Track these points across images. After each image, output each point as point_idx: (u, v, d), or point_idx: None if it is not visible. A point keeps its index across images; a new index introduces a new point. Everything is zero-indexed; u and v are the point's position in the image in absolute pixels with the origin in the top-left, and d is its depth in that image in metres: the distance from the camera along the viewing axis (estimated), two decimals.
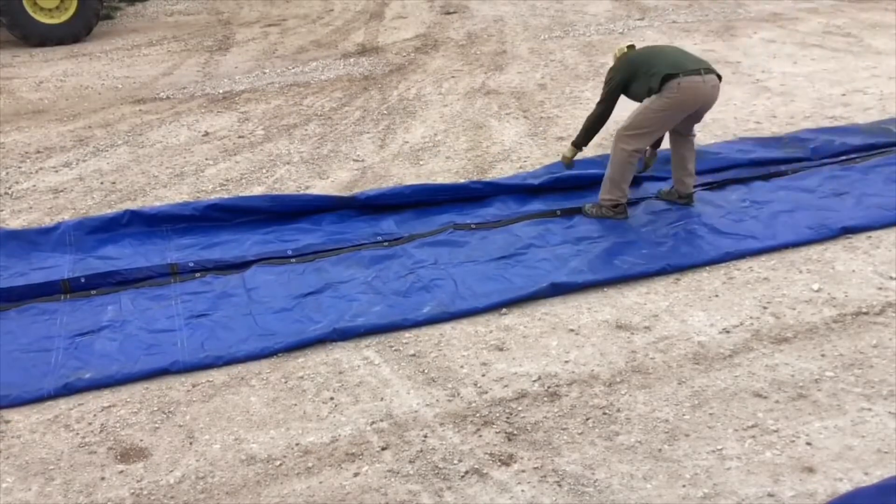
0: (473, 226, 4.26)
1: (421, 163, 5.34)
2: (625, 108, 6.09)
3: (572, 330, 3.40)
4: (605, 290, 3.68)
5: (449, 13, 10.45)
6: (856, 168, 4.72)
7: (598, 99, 4.37)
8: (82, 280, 3.85)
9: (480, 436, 2.80)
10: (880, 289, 3.57)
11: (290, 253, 4.06)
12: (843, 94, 6.14)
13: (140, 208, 4.49)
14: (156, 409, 3.06)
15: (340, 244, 4.15)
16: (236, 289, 3.79)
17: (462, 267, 3.89)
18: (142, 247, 4.22)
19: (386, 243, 4.15)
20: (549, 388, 3.03)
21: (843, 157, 4.88)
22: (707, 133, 5.52)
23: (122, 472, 2.74)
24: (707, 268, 3.82)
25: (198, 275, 3.92)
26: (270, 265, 3.96)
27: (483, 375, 3.13)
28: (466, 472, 2.63)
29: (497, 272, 3.83)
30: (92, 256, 4.15)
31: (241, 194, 4.98)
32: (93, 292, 3.80)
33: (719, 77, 4.09)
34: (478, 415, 2.90)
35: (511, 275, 3.80)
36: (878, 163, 4.77)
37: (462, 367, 3.19)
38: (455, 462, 2.68)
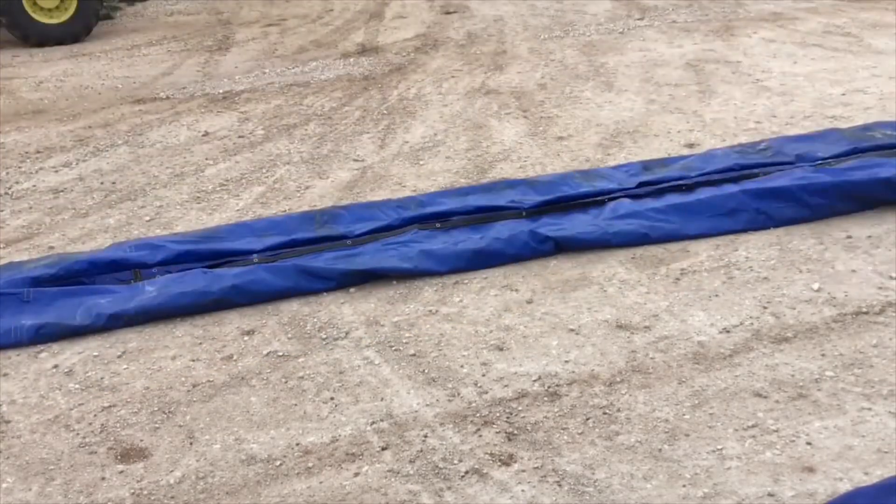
0: (438, 225, 4.28)
1: (421, 163, 5.34)
2: (626, 109, 6.11)
3: (572, 330, 3.40)
4: (606, 289, 3.68)
5: (449, 13, 10.45)
6: (827, 170, 4.61)
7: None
8: None
9: (480, 436, 2.80)
10: (880, 288, 3.57)
11: (255, 259, 4.05)
12: (843, 94, 6.14)
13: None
14: (156, 409, 3.06)
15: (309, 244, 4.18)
16: None
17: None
18: None
19: (349, 242, 4.16)
20: (549, 387, 3.03)
21: (820, 161, 4.81)
22: (707, 133, 5.52)
23: (122, 472, 2.74)
24: (706, 267, 3.82)
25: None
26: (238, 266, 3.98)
27: (483, 375, 3.13)
28: (466, 472, 2.63)
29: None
30: None
31: (241, 194, 4.99)
32: None
33: None
34: (478, 415, 2.90)
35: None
36: (853, 165, 4.65)
37: (462, 367, 3.19)
38: (455, 462, 2.68)
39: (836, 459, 2.60)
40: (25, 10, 9.50)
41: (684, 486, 2.53)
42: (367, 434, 2.84)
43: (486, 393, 3.02)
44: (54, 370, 3.35)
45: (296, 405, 3.03)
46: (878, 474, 2.52)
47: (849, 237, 4.03)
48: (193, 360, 3.36)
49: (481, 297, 3.70)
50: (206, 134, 6.20)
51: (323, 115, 6.51)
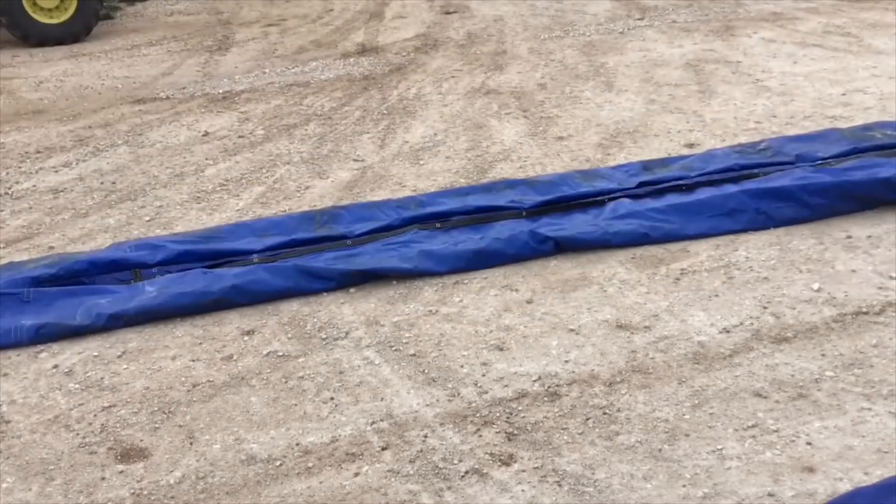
0: (438, 225, 4.28)
1: (421, 162, 5.34)
2: (626, 109, 6.11)
3: (572, 330, 3.40)
4: (606, 289, 3.68)
5: (449, 13, 10.44)
6: (827, 170, 4.60)
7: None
8: None
9: (480, 436, 2.80)
10: (880, 288, 3.57)
11: (255, 259, 4.06)
12: (843, 94, 6.14)
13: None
14: (156, 409, 3.06)
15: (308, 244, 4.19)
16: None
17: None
18: None
19: (349, 242, 4.17)
20: (549, 387, 3.03)
21: (820, 161, 4.80)
22: (707, 133, 5.52)
23: (122, 472, 2.74)
24: (706, 267, 3.82)
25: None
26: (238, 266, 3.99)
27: (483, 375, 3.13)
28: (466, 472, 2.63)
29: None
30: None
31: (241, 194, 4.99)
32: None
33: None
34: (478, 415, 2.90)
35: None
36: (853, 165, 4.63)
37: (462, 367, 3.19)
38: (455, 462, 2.68)
39: (836, 459, 2.60)
40: (25, 10, 9.49)
41: (684, 486, 2.53)
42: (367, 434, 2.84)
43: (486, 393, 3.02)
44: (54, 370, 3.35)
45: (296, 405, 3.03)
46: (878, 474, 2.52)
47: (849, 237, 4.03)
48: (193, 360, 3.36)
49: (481, 297, 3.70)
50: (206, 134, 6.20)
51: (323, 115, 6.51)
